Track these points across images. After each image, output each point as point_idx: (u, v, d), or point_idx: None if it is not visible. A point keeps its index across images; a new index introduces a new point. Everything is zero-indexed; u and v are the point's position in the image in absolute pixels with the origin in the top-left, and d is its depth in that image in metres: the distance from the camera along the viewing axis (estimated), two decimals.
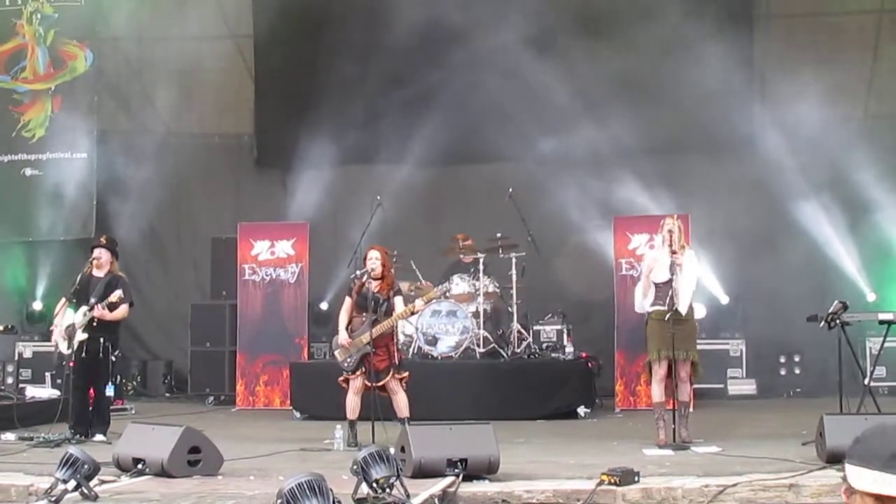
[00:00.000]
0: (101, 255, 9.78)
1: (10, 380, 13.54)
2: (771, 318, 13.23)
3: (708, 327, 12.58)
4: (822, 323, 9.09)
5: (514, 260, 12.08)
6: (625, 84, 13.31)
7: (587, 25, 13.67)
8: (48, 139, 14.64)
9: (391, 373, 9.18)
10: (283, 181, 14.94)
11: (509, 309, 12.14)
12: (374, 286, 9.14)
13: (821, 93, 12.39)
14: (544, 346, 12.30)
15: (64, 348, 9.60)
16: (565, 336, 12.34)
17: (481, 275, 11.98)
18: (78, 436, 9.25)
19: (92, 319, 9.39)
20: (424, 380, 10.38)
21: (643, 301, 9.08)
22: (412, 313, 9.77)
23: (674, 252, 8.76)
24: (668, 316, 8.67)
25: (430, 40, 13.31)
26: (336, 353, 9.38)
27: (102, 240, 10.10)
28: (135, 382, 14.32)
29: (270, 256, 13.14)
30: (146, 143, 15.12)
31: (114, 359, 9.68)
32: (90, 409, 9.63)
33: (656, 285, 8.90)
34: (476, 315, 11.78)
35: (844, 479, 2.40)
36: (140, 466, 7.16)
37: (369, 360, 9.01)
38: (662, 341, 8.75)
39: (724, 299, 13.18)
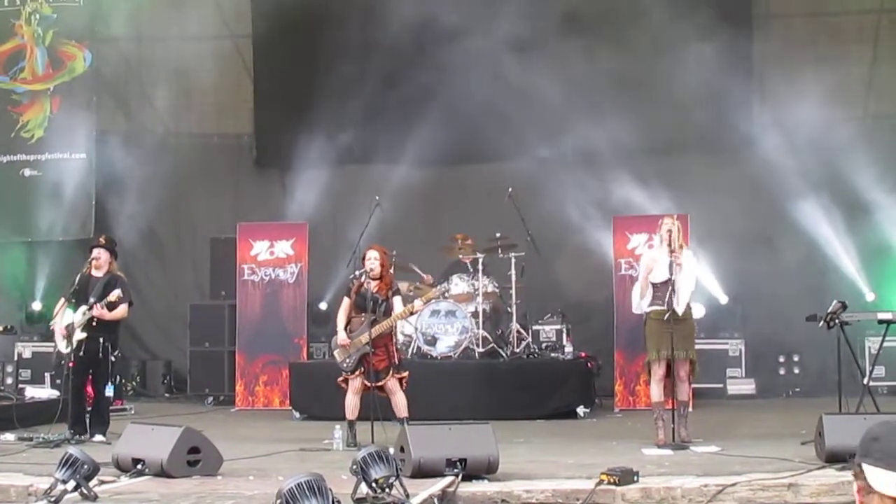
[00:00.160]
0: (100, 255, 9.78)
1: (9, 380, 13.53)
2: (770, 317, 13.23)
3: (707, 327, 12.58)
4: (822, 322, 9.10)
5: (513, 260, 12.09)
6: (624, 84, 13.31)
7: (586, 25, 13.68)
8: (47, 139, 14.63)
9: (390, 372, 9.18)
10: (283, 181, 14.94)
11: (508, 309, 12.14)
12: (372, 286, 9.14)
13: (820, 93, 12.38)
14: (543, 345, 12.30)
15: (63, 348, 9.60)
16: (564, 336, 12.34)
17: (480, 275, 11.98)
18: (77, 436, 9.25)
19: (91, 319, 9.39)
20: (423, 380, 10.38)
21: (641, 301, 9.08)
22: (411, 313, 9.76)
23: (672, 252, 8.76)
24: (667, 316, 8.68)
25: (429, 40, 13.30)
26: (335, 353, 9.38)
27: (101, 240, 10.09)
28: (134, 383, 14.32)
29: (269, 256, 13.14)
30: (145, 143, 15.12)
31: (113, 359, 9.67)
32: (89, 409, 9.63)
33: (654, 285, 8.91)
34: (475, 315, 11.78)
35: (858, 477, 2.37)
36: (139, 467, 7.16)
37: (368, 360, 9.01)
38: (661, 341, 8.76)
39: (724, 299, 13.18)
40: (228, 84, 15.08)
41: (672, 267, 8.70)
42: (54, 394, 11.63)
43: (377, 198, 12.39)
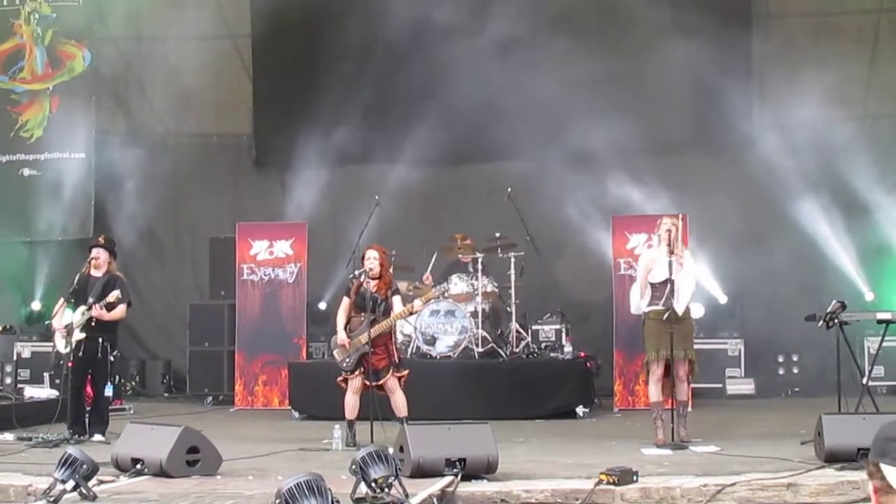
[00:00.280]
0: (100, 254, 9.78)
1: (8, 380, 13.52)
2: (769, 317, 13.22)
3: (706, 327, 12.60)
4: (821, 322, 9.09)
5: (512, 259, 12.08)
6: (623, 83, 13.30)
7: (586, 25, 13.70)
8: (46, 139, 14.63)
9: (390, 372, 9.18)
10: (282, 181, 14.94)
11: (508, 309, 12.14)
12: (372, 286, 9.14)
13: (819, 93, 12.38)
14: (543, 345, 12.29)
15: (62, 348, 9.60)
16: (564, 336, 12.34)
17: (480, 274, 11.98)
18: (76, 436, 9.25)
19: (90, 319, 9.39)
20: (423, 379, 10.37)
21: (639, 302, 9.08)
22: (411, 313, 9.75)
23: (672, 252, 8.76)
24: (666, 315, 8.68)
25: (429, 40, 13.30)
26: (335, 353, 9.38)
27: (101, 240, 10.09)
28: (133, 382, 14.32)
29: (269, 256, 13.14)
30: (144, 142, 15.13)
31: (112, 359, 9.68)
32: (89, 409, 9.63)
33: (653, 285, 8.90)
34: (475, 315, 11.78)
35: (874, 476, 2.36)
36: (139, 466, 7.16)
37: (368, 359, 9.01)
38: (660, 341, 8.76)
39: (723, 299, 13.20)
40: (228, 84, 15.08)
41: (672, 266, 8.70)
42: (53, 394, 11.63)
43: (377, 197, 12.39)
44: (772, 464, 7.29)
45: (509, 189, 12.45)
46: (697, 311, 9.26)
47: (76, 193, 14.40)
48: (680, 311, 8.75)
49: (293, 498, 5.24)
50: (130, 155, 14.88)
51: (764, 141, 13.67)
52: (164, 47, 14.70)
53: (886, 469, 2.33)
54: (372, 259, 9.22)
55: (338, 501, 5.50)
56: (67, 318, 9.59)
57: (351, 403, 9.25)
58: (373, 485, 6.17)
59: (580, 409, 11.36)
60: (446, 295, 11.03)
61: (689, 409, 9.38)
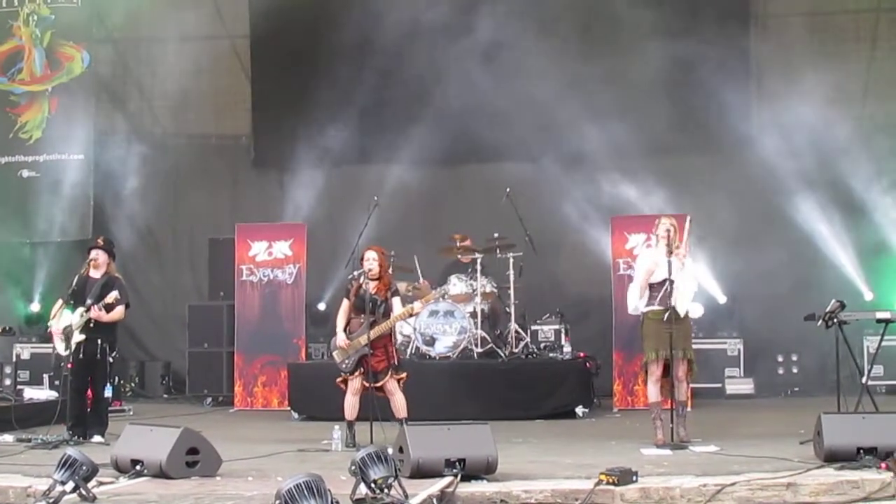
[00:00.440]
0: (98, 256, 9.78)
1: (8, 381, 13.53)
2: (768, 317, 13.23)
3: (705, 327, 12.60)
4: (820, 322, 9.10)
5: (511, 260, 12.08)
6: (622, 84, 13.31)
7: (585, 25, 13.70)
8: (45, 140, 14.64)
9: (389, 373, 9.18)
10: (281, 182, 14.93)
11: (507, 309, 12.14)
12: (371, 287, 9.14)
13: (818, 92, 12.39)
14: (542, 345, 12.30)
15: (61, 349, 9.60)
16: (563, 336, 12.34)
17: (479, 275, 11.98)
18: (76, 437, 9.25)
19: (89, 321, 9.39)
20: (422, 380, 10.38)
21: (637, 302, 9.07)
22: (411, 314, 9.74)
23: (671, 252, 8.76)
24: (665, 315, 8.68)
25: (427, 40, 13.31)
26: (334, 354, 9.37)
27: (99, 241, 10.08)
28: (133, 383, 14.33)
29: (268, 257, 13.14)
30: (143, 144, 15.12)
31: (111, 360, 9.67)
32: (88, 410, 9.62)
33: (651, 285, 8.90)
34: (474, 315, 11.78)
35: None
36: (138, 468, 7.15)
37: (367, 360, 9.01)
38: (659, 341, 8.76)
39: (722, 299, 13.20)
40: (226, 85, 15.09)
41: (671, 266, 8.70)
42: (53, 395, 11.64)
43: (375, 198, 12.40)
44: (771, 463, 7.29)
45: (508, 189, 12.45)
46: (696, 311, 9.23)
47: (75, 194, 14.41)
48: (682, 312, 8.76)
49: (293, 499, 5.25)
50: (129, 156, 14.89)
51: (762, 141, 13.67)
52: (163, 48, 14.70)
53: None
54: (371, 260, 9.22)
55: (337, 502, 5.51)
56: (66, 320, 9.59)
57: (350, 404, 9.25)
58: (372, 485, 6.17)
59: (579, 410, 11.37)
60: (445, 296, 11.03)
61: (689, 409, 9.38)
